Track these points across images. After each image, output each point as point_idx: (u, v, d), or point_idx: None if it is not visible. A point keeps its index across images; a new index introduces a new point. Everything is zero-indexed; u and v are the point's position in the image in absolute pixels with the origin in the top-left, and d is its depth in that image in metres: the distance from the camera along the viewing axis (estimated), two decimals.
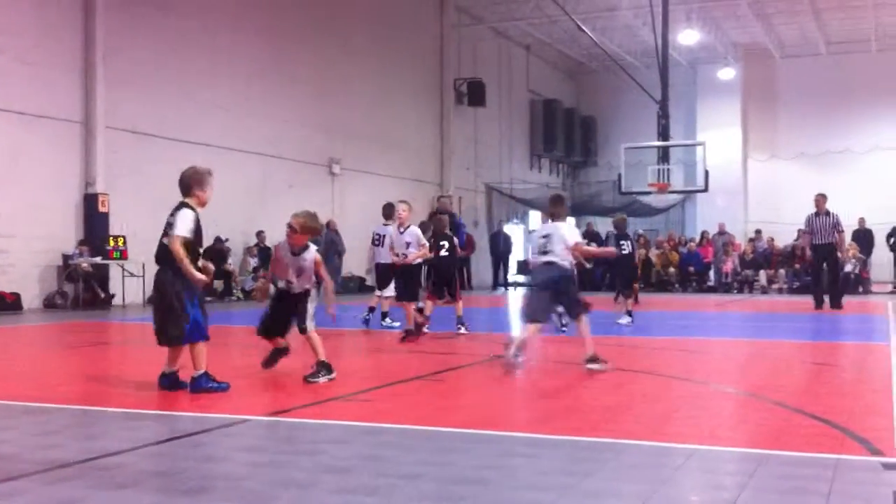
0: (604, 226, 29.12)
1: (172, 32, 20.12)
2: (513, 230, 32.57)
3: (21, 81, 17.12)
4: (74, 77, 18.20)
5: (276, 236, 22.35)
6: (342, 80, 25.47)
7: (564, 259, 8.24)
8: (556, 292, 8.29)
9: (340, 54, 25.39)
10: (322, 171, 24.71)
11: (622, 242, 14.50)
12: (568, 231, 8.38)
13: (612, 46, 32.22)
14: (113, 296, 18.53)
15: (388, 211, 13.46)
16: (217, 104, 21.17)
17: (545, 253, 8.27)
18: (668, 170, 26.15)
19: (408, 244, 11.89)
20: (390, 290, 12.89)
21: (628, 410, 6.24)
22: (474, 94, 31.15)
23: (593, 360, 8.11)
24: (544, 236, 8.38)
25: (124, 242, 18.37)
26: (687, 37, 31.60)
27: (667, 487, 4.14)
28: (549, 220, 8.75)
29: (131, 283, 18.80)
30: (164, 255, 6.75)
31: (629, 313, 13.86)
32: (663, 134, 26.82)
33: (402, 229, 12.04)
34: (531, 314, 8.31)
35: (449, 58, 30.89)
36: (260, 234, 21.99)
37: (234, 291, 21.19)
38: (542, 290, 8.37)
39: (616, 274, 14.49)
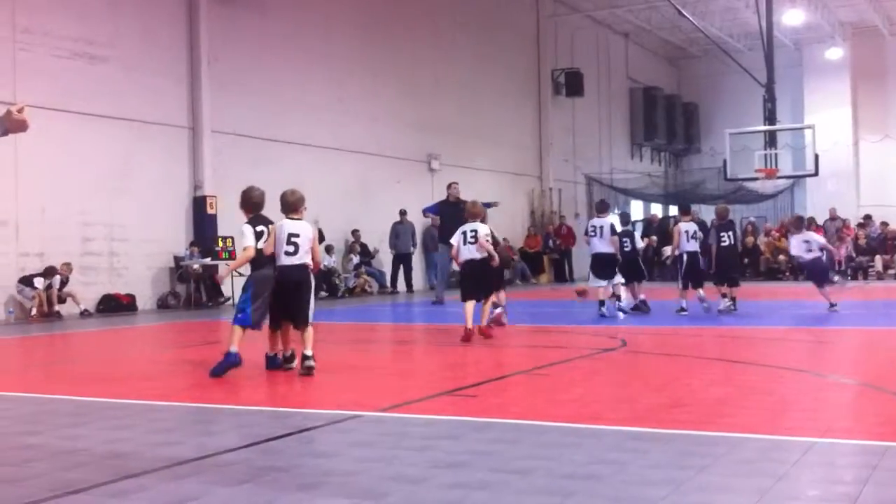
0: (709, 214, 28.53)
1: (270, 36, 20.54)
2: (614, 221, 32.17)
3: (130, 90, 17.71)
4: (181, 84, 18.77)
5: (377, 232, 22.80)
6: (438, 76, 25.59)
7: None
8: None
9: (435, 50, 25.51)
10: (421, 167, 24.86)
11: (723, 234, 14.15)
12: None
13: (714, 30, 31.50)
14: (228, 299, 19.04)
15: (603, 206, 14.83)
16: (315, 104, 21.51)
17: None
18: (776, 154, 25.47)
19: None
20: (619, 278, 13.89)
21: (740, 403, 6.09)
22: (572, 84, 30.89)
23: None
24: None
25: (232, 243, 18.84)
26: (792, 17, 30.68)
27: (784, 482, 4.03)
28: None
29: (239, 283, 19.21)
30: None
31: (725, 296, 13.79)
32: (770, 118, 26.16)
33: None
34: None
35: (546, 49, 30.71)
36: (355, 232, 22.28)
37: (339, 287, 21.49)
38: None
39: (719, 265, 14.09)
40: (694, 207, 31.03)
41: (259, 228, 8.02)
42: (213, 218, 18.97)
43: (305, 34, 21.47)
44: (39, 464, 4.49)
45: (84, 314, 16.35)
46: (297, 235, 7.89)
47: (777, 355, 9.01)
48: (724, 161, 26.21)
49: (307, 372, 7.55)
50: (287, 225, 7.95)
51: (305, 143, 21.11)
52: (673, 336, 11.17)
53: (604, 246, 13.62)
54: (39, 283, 15.79)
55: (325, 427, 5.35)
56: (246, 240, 8.01)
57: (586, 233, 14.39)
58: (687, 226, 14.11)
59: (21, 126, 4.93)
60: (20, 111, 4.95)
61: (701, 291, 13.73)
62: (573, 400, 6.30)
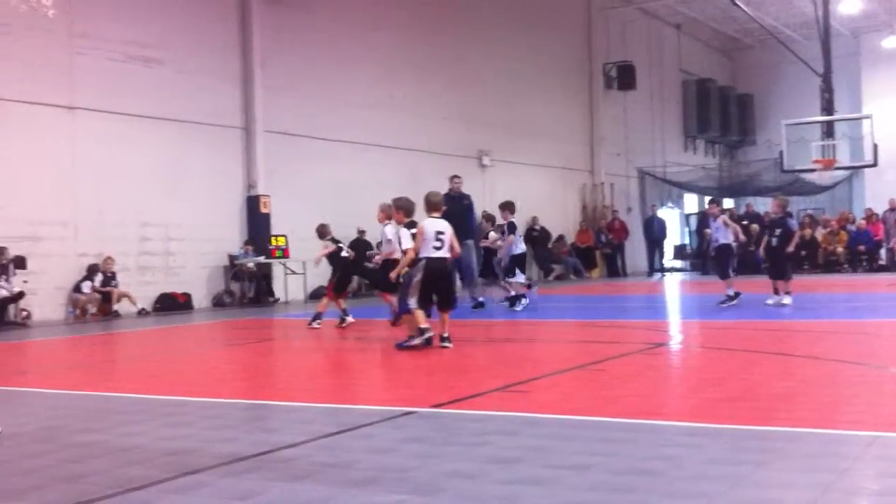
0: (765, 206, 28.14)
1: (321, 35, 20.69)
2: (667, 214, 31.88)
3: (184, 92, 17.97)
4: (234, 85, 19.00)
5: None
6: (488, 71, 25.56)
7: None
8: None
9: (486, 46, 25.47)
10: (472, 163, 24.85)
11: (776, 229, 13.93)
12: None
13: (769, 20, 31.04)
14: (278, 299, 19.24)
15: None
16: (366, 102, 21.61)
17: None
18: (834, 145, 25.02)
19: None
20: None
21: (799, 397, 6.00)
22: (624, 77, 30.66)
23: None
24: None
25: (286, 241, 19.02)
26: (848, 5, 30.12)
27: (845, 477, 3.95)
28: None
29: (293, 281, 19.47)
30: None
31: (778, 291, 13.58)
32: (827, 108, 25.72)
33: None
34: None
35: (597, 42, 30.52)
36: (409, 225, 22.32)
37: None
38: None
39: (771, 258, 13.89)
40: (749, 200, 30.68)
41: (413, 231, 9.56)
42: (267, 217, 19.17)
43: (356, 32, 21.58)
44: (101, 460, 4.57)
45: (141, 313, 16.62)
46: (442, 232, 9.27)
47: (835, 349, 8.86)
48: (781, 152, 25.82)
49: (445, 345, 9.00)
50: (434, 224, 9.31)
51: (356, 141, 21.24)
52: (726, 330, 11.04)
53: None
54: (87, 286, 16.08)
55: (379, 423, 5.37)
56: (406, 242, 9.64)
57: (513, 231, 15.02)
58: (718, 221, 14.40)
59: None
60: None
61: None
62: (628, 395, 6.25)
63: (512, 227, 14.91)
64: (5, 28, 14.79)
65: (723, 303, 13.62)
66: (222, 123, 18.77)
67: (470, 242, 15.73)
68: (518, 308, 14.38)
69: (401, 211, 9.83)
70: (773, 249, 13.82)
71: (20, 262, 15.28)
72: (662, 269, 28.90)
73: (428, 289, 9.18)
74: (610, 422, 5.25)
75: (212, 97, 18.55)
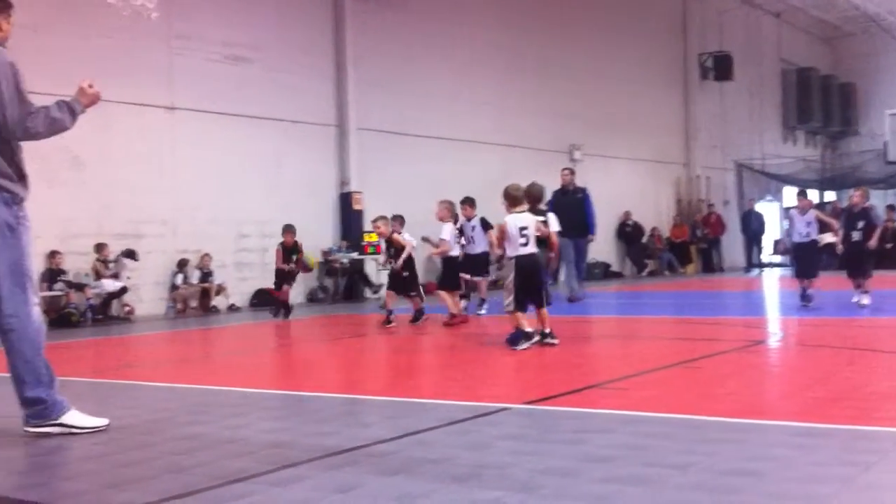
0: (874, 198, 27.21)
1: (413, 33, 20.82)
2: (766, 208, 31.14)
3: (279, 91, 18.30)
4: (327, 83, 19.27)
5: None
6: (578, 64, 25.34)
7: None
8: None
9: (575, 39, 25.26)
10: (563, 157, 24.65)
11: (859, 222, 13.27)
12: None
13: (872, 6, 30.01)
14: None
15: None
16: (457, 98, 21.66)
17: None
18: None
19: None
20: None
21: None
22: (720, 67, 30.05)
23: None
24: None
25: (378, 238, 19.16)
26: None
27: None
28: None
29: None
30: (539, 242, 9.15)
31: (860, 291, 12.74)
32: None
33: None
34: None
35: (692, 32, 29.98)
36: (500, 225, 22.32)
37: None
38: None
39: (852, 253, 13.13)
40: (850, 192, 29.67)
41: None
42: (360, 213, 19.37)
43: (447, 29, 21.64)
44: (204, 452, 4.67)
45: (231, 308, 17.01)
46: (525, 227, 8.90)
47: None
48: (885, 143, 24.96)
49: (549, 342, 8.83)
50: (516, 219, 8.96)
51: (447, 138, 21.32)
52: (826, 327, 10.71)
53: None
54: (179, 279, 16.53)
55: (474, 419, 5.36)
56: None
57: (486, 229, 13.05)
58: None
59: (94, 100, 5.28)
60: (90, 86, 5.27)
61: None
62: (729, 393, 6.11)
63: (485, 225, 12.95)
64: (108, 31, 15.26)
65: (805, 302, 12.80)
66: (316, 121, 19.06)
67: (582, 241, 15.51)
68: (482, 312, 13.37)
69: (466, 205, 9.60)
70: (855, 244, 12.91)
71: (130, 254, 15.80)
72: (761, 265, 28.25)
73: (523, 287, 8.90)
74: (710, 421, 5.13)
75: (306, 96, 18.84)
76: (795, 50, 34.95)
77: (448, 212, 12.86)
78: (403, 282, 12.37)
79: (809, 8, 33.03)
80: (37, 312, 5.25)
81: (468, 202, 13.13)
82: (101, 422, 5.35)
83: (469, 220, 13.07)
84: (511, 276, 8.92)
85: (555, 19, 24.72)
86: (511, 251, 8.93)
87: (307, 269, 15.43)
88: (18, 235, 5.13)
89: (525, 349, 8.64)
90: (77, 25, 15.19)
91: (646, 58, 28.20)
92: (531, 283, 8.94)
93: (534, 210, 9.50)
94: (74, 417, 5.27)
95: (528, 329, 8.79)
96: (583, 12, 25.68)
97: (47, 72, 12.52)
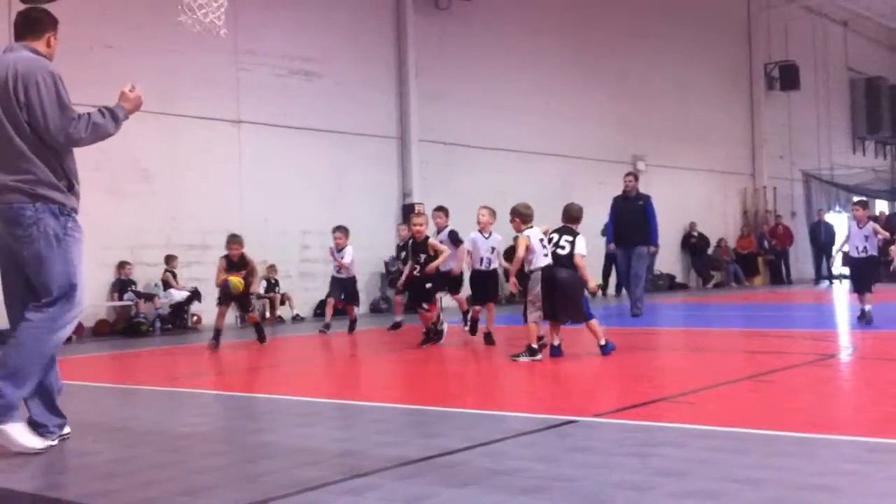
0: None
1: (475, 44, 20.89)
2: (835, 219, 30.53)
3: (342, 104, 18.50)
4: (389, 95, 19.44)
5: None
6: (643, 74, 25.18)
7: None
8: None
9: (640, 49, 25.09)
10: (626, 168, 24.44)
11: None
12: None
13: None
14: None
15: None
16: (518, 109, 21.65)
17: None
18: None
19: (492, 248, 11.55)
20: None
21: None
22: (787, 77, 29.62)
23: None
24: None
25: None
26: None
27: None
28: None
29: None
30: (569, 262, 9.04)
31: None
32: None
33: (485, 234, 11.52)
34: None
35: (758, 42, 29.61)
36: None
37: None
38: None
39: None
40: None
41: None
42: None
43: (507, 41, 21.67)
44: (275, 461, 4.73)
45: (296, 318, 17.18)
46: (542, 239, 9.07)
47: None
48: None
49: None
50: (536, 232, 9.09)
51: (509, 149, 21.34)
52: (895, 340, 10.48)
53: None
54: None
55: (542, 431, 5.35)
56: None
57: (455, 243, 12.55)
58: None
59: (137, 104, 5.33)
60: (132, 90, 5.33)
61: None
62: (801, 408, 6.01)
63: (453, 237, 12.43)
64: (177, 46, 15.58)
65: (862, 318, 12.13)
66: (378, 133, 19.23)
67: (642, 249, 14.64)
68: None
69: (517, 217, 9.16)
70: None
71: (195, 296, 15.87)
72: (830, 277, 27.68)
73: (550, 299, 8.89)
74: (782, 435, 5.05)
75: (368, 108, 19.02)
76: (863, 59, 34.29)
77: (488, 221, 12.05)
78: (424, 292, 11.35)
79: (877, 16, 32.43)
80: (68, 327, 5.11)
81: (442, 210, 12.57)
82: (38, 444, 5.03)
83: (440, 230, 12.37)
84: (537, 289, 8.90)
85: (620, 30, 24.59)
86: (535, 263, 8.95)
87: (233, 290, 12.03)
88: (66, 246, 5.07)
89: (527, 361, 8.78)
90: (147, 42, 15.52)
91: (711, 68, 27.91)
92: (556, 295, 8.91)
93: (569, 230, 9.29)
94: (16, 430, 4.96)
95: (535, 345, 8.86)
96: (647, 22, 25.48)
97: (119, 87, 12.78)
